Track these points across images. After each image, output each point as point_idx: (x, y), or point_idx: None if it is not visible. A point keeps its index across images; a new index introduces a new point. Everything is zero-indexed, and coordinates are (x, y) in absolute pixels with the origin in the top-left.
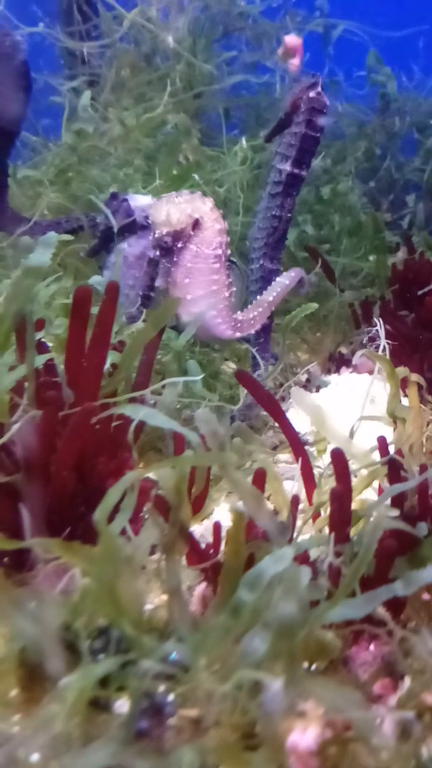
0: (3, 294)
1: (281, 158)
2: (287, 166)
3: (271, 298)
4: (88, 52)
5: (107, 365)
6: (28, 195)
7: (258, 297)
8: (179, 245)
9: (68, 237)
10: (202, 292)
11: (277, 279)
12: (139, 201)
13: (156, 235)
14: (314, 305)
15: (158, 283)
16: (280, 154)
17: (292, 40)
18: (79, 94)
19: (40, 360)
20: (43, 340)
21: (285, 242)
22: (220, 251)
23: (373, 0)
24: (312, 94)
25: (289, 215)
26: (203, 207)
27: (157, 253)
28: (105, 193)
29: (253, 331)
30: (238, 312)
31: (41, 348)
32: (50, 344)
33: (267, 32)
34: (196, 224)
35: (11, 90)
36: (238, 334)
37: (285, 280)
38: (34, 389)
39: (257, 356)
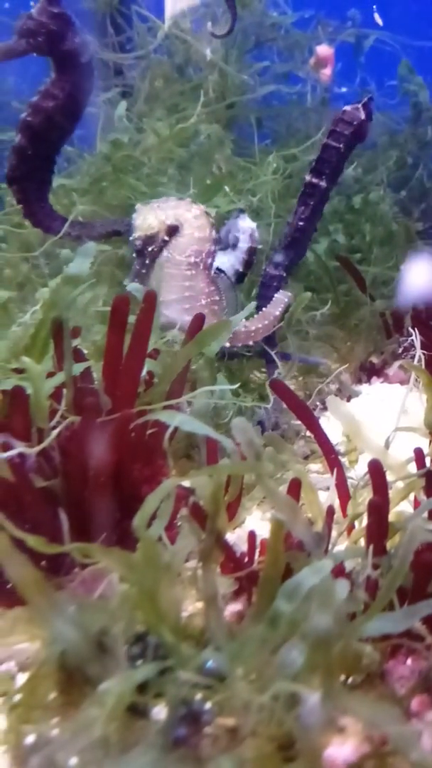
0: (41, 301)
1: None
2: (307, 175)
3: (277, 313)
4: (121, 64)
5: (143, 373)
6: (62, 203)
7: (262, 310)
8: (150, 249)
9: (105, 247)
10: (174, 296)
11: (278, 295)
12: (242, 224)
13: (131, 238)
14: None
15: (126, 281)
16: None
17: (324, 50)
18: (113, 105)
19: (78, 368)
20: (79, 347)
21: (296, 251)
22: (195, 259)
23: (405, 10)
24: (349, 107)
25: (301, 224)
26: (185, 214)
27: (134, 254)
28: (138, 201)
29: (251, 343)
30: (242, 323)
31: (78, 355)
32: (86, 351)
33: (299, 42)
34: (173, 230)
35: (75, 87)
36: (227, 344)
37: (284, 297)
38: (72, 396)
39: (275, 357)
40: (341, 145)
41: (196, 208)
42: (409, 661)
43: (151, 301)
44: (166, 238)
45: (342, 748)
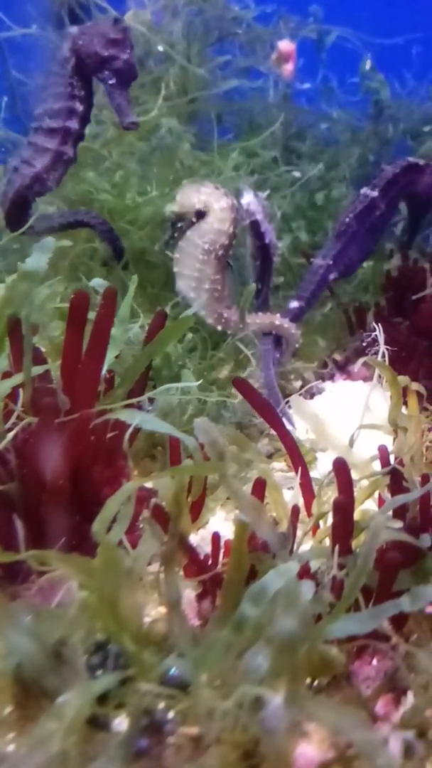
0: None
1: None
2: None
3: (277, 322)
4: None
5: (104, 371)
6: None
7: (265, 314)
8: (179, 225)
9: (67, 243)
10: (187, 272)
11: (288, 322)
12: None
13: (167, 209)
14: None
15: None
16: None
17: (286, 45)
18: None
19: (38, 369)
20: (36, 344)
21: (345, 247)
22: (210, 247)
23: (367, 7)
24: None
25: (347, 219)
26: (214, 204)
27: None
28: (102, 195)
29: (228, 332)
30: (233, 309)
31: (35, 354)
32: (44, 349)
33: (261, 37)
34: (201, 215)
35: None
36: (219, 327)
37: (291, 328)
38: (29, 396)
39: (278, 352)
40: (397, 170)
41: (226, 200)
42: (374, 662)
43: (110, 297)
44: (194, 219)
45: (307, 752)
